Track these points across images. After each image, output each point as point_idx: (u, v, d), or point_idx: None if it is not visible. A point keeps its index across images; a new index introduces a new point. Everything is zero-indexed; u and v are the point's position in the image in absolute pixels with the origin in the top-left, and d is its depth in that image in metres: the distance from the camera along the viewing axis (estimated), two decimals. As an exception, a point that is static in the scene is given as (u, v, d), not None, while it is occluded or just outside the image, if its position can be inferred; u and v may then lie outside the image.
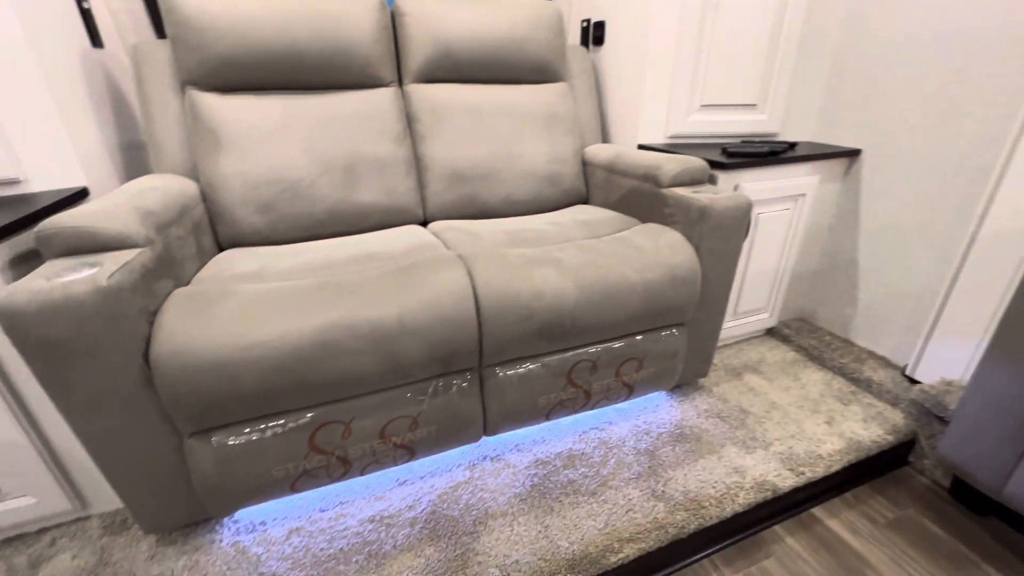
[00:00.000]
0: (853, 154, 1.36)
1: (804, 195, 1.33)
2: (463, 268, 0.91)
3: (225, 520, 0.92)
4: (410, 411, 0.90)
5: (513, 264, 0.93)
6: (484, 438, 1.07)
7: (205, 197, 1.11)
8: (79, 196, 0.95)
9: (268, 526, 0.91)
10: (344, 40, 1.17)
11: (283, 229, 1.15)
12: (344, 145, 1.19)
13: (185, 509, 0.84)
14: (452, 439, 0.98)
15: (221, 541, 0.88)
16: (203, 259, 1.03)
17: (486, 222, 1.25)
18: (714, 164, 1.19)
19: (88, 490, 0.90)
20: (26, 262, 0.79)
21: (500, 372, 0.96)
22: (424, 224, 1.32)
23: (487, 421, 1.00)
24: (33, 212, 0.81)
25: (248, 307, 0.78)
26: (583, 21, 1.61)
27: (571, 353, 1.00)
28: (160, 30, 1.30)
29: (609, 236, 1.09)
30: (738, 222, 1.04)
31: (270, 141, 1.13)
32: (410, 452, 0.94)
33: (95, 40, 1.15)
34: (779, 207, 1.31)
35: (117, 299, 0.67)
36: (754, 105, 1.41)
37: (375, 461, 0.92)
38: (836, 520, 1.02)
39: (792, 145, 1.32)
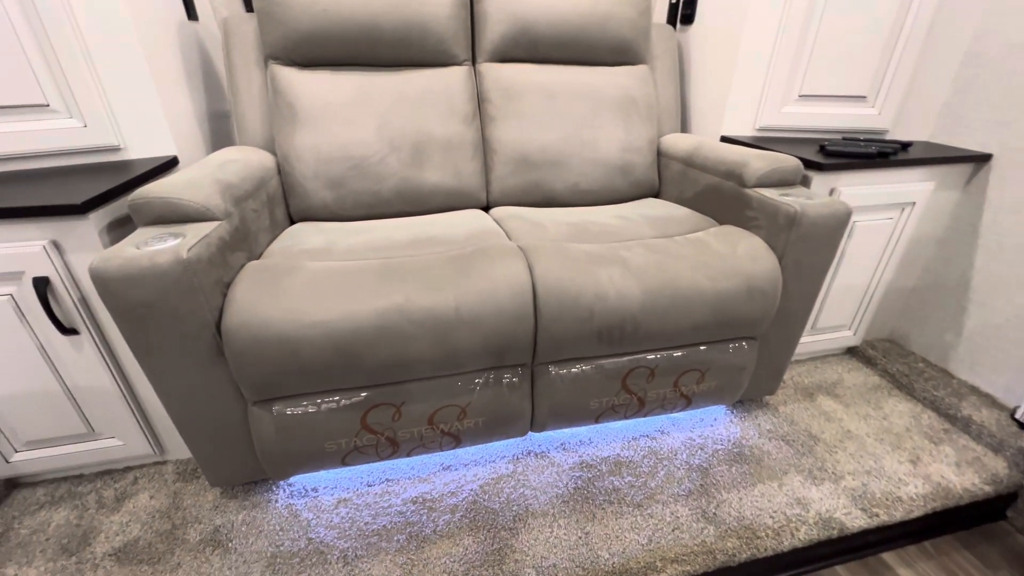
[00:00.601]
0: (981, 159, 1.17)
1: (913, 203, 1.17)
2: (523, 260, 0.88)
3: (281, 483, 0.98)
4: (459, 401, 0.90)
5: (576, 260, 0.89)
6: (530, 433, 1.06)
7: (280, 170, 1.14)
8: (170, 165, 1.01)
9: (319, 493, 0.95)
10: (421, 15, 1.14)
11: (350, 205, 1.17)
12: (414, 123, 1.18)
13: (247, 469, 0.89)
14: (498, 432, 0.97)
15: (276, 502, 0.93)
16: (275, 231, 1.07)
17: (550, 211, 1.21)
18: (809, 164, 1.06)
19: (166, 439, 0.99)
20: (122, 226, 0.84)
21: (553, 370, 0.93)
22: (486, 209, 1.30)
23: (535, 417, 0.98)
24: (131, 179, 0.86)
25: (313, 285, 0.80)
26: (672, -3, 1.49)
27: (628, 358, 0.95)
28: (249, 3, 1.34)
29: (682, 236, 1.02)
30: (832, 233, 0.93)
31: (343, 117, 1.14)
32: (456, 440, 0.95)
33: (190, 13, 1.20)
34: (881, 215, 1.16)
35: (195, 270, 0.70)
36: (863, 97, 1.25)
37: (422, 445, 0.93)
38: (910, 570, 0.92)
39: (905, 145, 1.16)
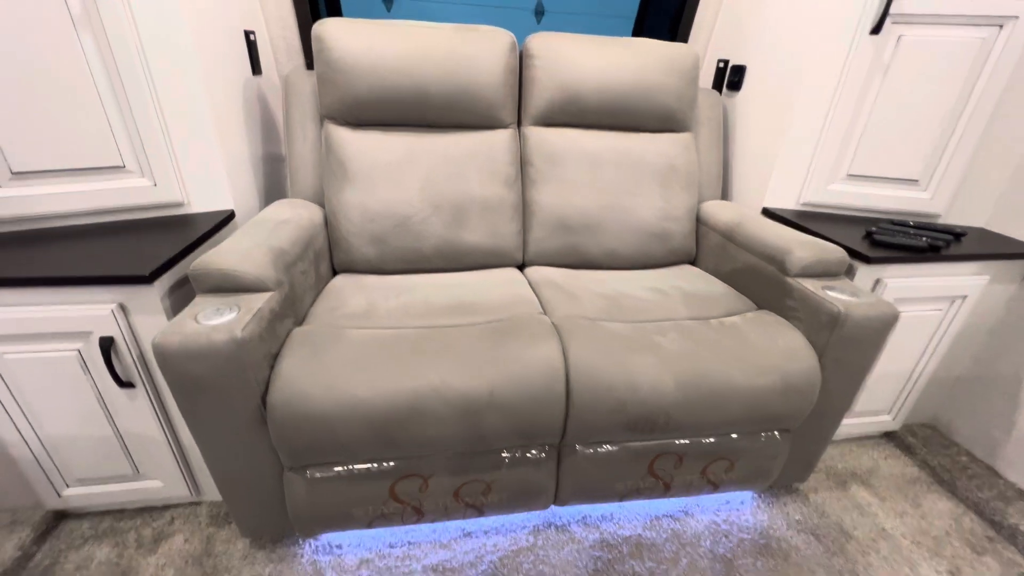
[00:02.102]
0: (1040, 253, 1.12)
1: (965, 296, 1.13)
2: (557, 344, 0.89)
3: (308, 539, 1.01)
4: (485, 476, 0.91)
5: (610, 345, 0.89)
6: (553, 506, 1.06)
7: (328, 223, 1.19)
8: (227, 220, 1.06)
9: (343, 551, 0.98)
10: (471, 82, 1.18)
11: (391, 261, 1.21)
12: (457, 185, 1.21)
13: (277, 524, 0.92)
14: (521, 505, 0.97)
15: (302, 557, 0.96)
16: (319, 286, 1.11)
17: (585, 277, 1.21)
18: (855, 254, 1.04)
19: (202, 482, 1.03)
20: (182, 287, 0.90)
21: (580, 450, 0.93)
22: (521, 267, 1.31)
23: (559, 493, 0.98)
24: (193, 241, 0.92)
25: (354, 358, 0.83)
26: (720, 62, 1.49)
27: (656, 443, 0.94)
28: (309, 58, 1.41)
29: (717, 320, 1.01)
30: (877, 335, 0.91)
31: (390, 177, 1.18)
32: (479, 511, 0.96)
33: (255, 68, 1.27)
34: (929, 307, 1.13)
35: (247, 348, 0.73)
36: (915, 181, 1.22)
37: (446, 515, 0.94)
38: None
39: (958, 235, 1.12)
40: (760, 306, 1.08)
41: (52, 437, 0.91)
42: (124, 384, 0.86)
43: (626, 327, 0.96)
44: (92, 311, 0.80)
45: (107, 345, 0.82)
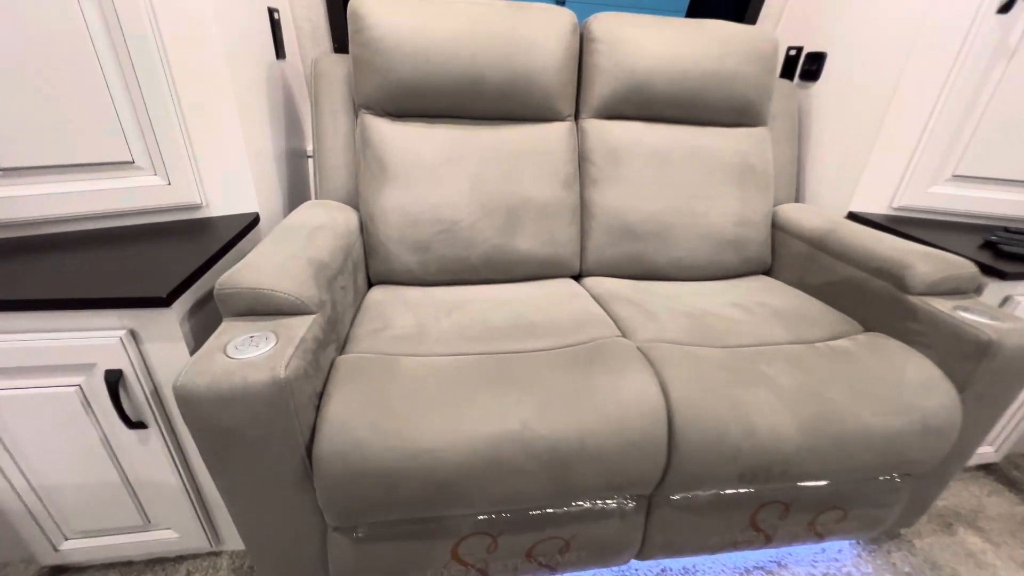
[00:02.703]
0: None
1: (1097, 316, 0.99)
2: (653, 376, 0.74)
3: (347, 596, 0.86)
4: (564, 532, 0.77)
5: (714, 379, 0.75)
6: (633, 561, 0.91)
7: (363, 228, 1.05)
8: (252, 224, 0.92)
9: (390, 616, 0.83)
10: (529, 68, 1.03)
11: (434, 271, 1.06)
12: (510, 185, 1.06)
13: (315, 587, 0.78)
14: (600, 562, 0.83)
15: (343, 624, 0.82)
16: (357, 301, 0.97)
17: (655, 290, 1.07)
18: (985, 268, 0.90)
19: (224, 530, 0.88)
20: (203, 307, 0.75)
21: (673, 500, 0.79)
22: (577, 277, 1.17)
23: (644, 548, 0.84)
24: (216, 252, 0.77)
25: (414, 396, 0.68)
26: (790, 49, 1.34)
27: (762, 490, 0.80)
28: (337, 42, 1.26)
29: (824, 344, 0.86)
30: (1032, 367, 0.77)
31: (435, 175, 1.03)
32: (551, 570, 0.82)
33: (279, 51, 1.12)
34: (1056, 327, 0.99)
35: (292, 389, 0.59)
36: (1034, 182, 1.07)
37: (514, 576, 0.80)
38: None
39: (1088, 244, 0.98)
40: (867, 327, 0.94)
41: (48, 485, 0.76)
42: (134, 425, 0.72)
43: (722, 354, 0.82)
44: (96, 340, 0.66)
45: (114, 380, 0.68)
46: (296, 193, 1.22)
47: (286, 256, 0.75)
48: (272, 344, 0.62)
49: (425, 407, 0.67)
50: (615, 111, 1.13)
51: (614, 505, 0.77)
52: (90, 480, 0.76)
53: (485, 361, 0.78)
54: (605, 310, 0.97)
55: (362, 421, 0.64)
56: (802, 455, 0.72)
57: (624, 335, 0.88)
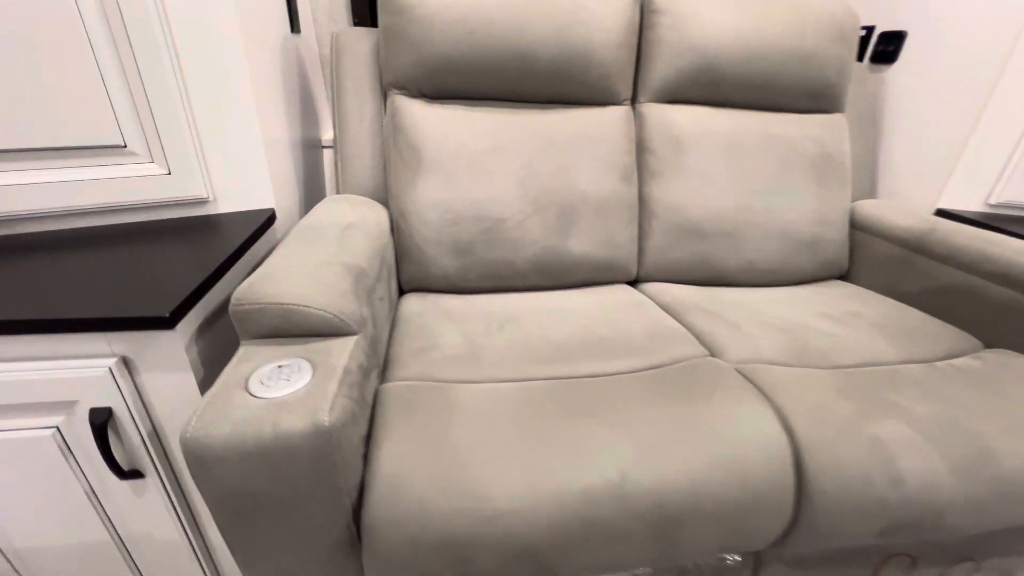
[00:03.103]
0: None
1: None
2: (766, 406, 0.61)
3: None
4: (657, 597, 0.63)
5: (839, 411, 0.62)
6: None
7: (394, 228, 0.90)
8: (268, 223, 0.77)
9: None
10: (585, 41, 0.89)
11: (474, 277, 0.92)
12: (564, 179, 0.93)
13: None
14: (690, 626, 0.70)
15: None
16: (391, 314, 0.83)
17: (726, 299, 0.93)
18: None
19: (236, 588, 0.74)
20: (212, 325, 0.60)
21: (787, 554, 0.66)
22: (633, 283, 1.03)
23: (742, 609, 0.70)
24: (231, 254, 0.62)
25: (481, 438, 0.54)
26: (861, 28, 1.21)
27: (890, 542, 0.67)
28: (357, 16, 1.12)
29: (944, 363, 0.73)
30: None
31: (479, 166, 0.89)
32: (635, 638, 0.68)
33: (294, 25, 0.97)
34: None
35: (339, 439, 0.45)
36: None
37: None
38: None
39: None
40: (987, 342, 0.81)
41: (20, 548, 0.61)
42: (127, 474, 0.57)
43: (833, 377, 0.68)
44: (79, 371, 0.51)
45: (102, 420, 0.53)
46: (311, 188, 1.08)
47: (317, 262, 0.60)
48: (308, 377, 0.48)
49: (497, 453, 0.53)
50: (678, 94, 0.99)
51: (714, 562, 0.64)
52: (73, 540, 0.62)
53: (556, 388, 0.64)
54: (680, 322, 0.84)
55: (422, 475, 0.50)
56: (957, 506, 0.59)
57: (713, 354, 0.75)
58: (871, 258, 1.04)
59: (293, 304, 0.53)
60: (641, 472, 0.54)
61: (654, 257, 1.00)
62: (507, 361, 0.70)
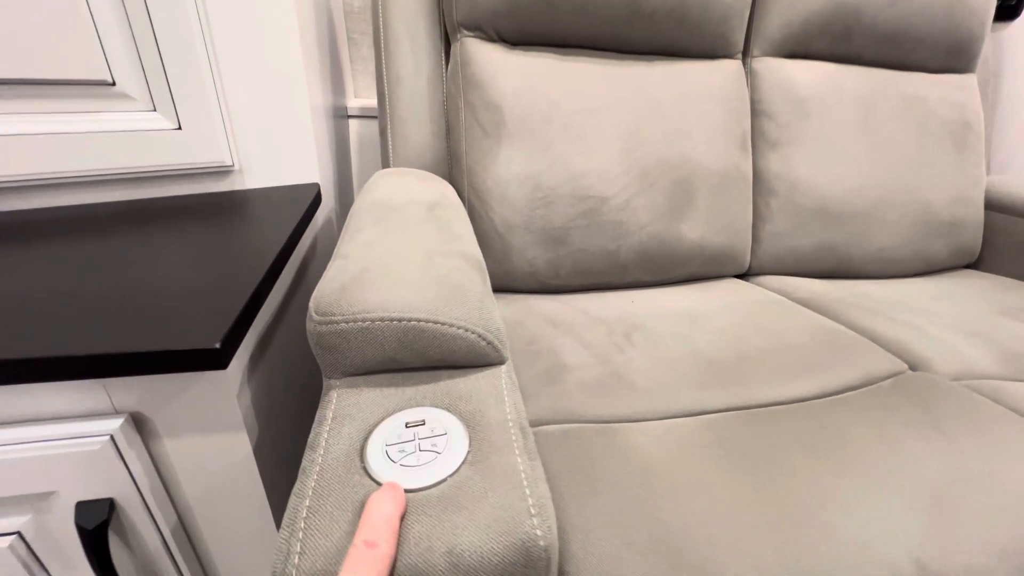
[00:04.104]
0: None
1: None
2: (1054, 447, 0.44)
3: None
4: None
5: None
6: None
7: (468, 211, 0.70)
8: (314, 205, 0.56)
9: None
10: (706, -25, 0.71)
11: (566, 273, 0.73)
12: (676, 147, 0.74)
13: None
14: None
15: None
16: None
17: (863, 293, 0.77)
18: None
19: None
20: (264, 352, 0.40)
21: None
22: (743, 277, 0.86)
23: None
24: (283, 246, 0.41)
25: (692, 508, 0.36)
26: (970, -18, 1.07)
27: None
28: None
29: None
30: None
31: (576, 130, 0.70)
32: None
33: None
34: None
35: (553, 564, 0.25)
36: None
37: None
38: None
39: None
40: None
41: None
42: (141, 592, 0.36)
43: None
44: (59, 445, 0.30)
45: (98, 521, 0.32)
46: (341, 165, 0.87)
47: (424, 253, 0.40)
48: (463, 442, 0.29)
49: (728, 536, 0.35)
50: (801, 46, 0.82)
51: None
52: None
53: (746, 423, 0.46)
54: (845, 326, 0.66)
55: (647, 589, 0.31)
56: None
57: (914, 367, 0.58)
58: (1014, 243, 0.89)
59: (419, 319, 0.33)
60: (942, 556, 0.36)
61: (771, 245, 0.83)
62: (662, 387, 0.51)
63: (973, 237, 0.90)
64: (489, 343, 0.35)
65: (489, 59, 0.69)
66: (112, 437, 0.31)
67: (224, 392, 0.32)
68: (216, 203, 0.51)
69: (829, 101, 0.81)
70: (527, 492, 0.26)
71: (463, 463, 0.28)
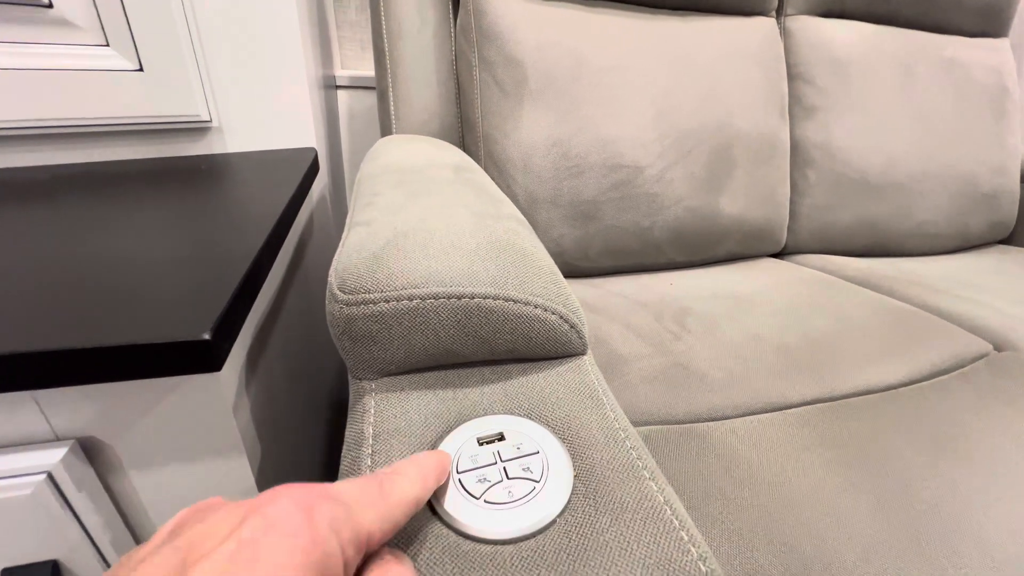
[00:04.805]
0: None
1: None
2: None
3: None
4: None
5: None
6: None
7: (486, 184, 0.61)
8: (312, 172, 0.47)
9: None
10: (742, -83, 0.64)
11: (596, 252, 0.65)
12: (713, 111, 0.67)
13: None
14: None
15: None
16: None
17: (915, 270, 0.71)
18: None
19: None
20: (258, 356, 0.31)
21: None
22: (779, 255, 0.80)
23: None
24: (276, 226, 0.32)
25: (813, 520, 0.29)
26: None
27: None
28: None
29: None
30: None
31: (605, 90, 0.62)
32: None
33: None
34: None
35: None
36: None
37: None
38: None
39: None
40: None
41: None
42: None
43: None
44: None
45: (39, 590, 0.23)
46: (331, 135, 0.77)
47: (474, 214, 0.31)
48: (564, 464, 0.20)
49: (855, 552, 0.28)
50: (837, 4, 0.75)
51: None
52: None
53: (843, 416, 0.40)
54: (910, 303, 0.60)
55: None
56: None
57: (1000, 346, 0.52)
58: (1051, 216, 0.85)
59: (485, 295, 0.24)
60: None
61: (810, 219, 0.77)
62: (736, 378, 0.44)
63: (1010, 210, 0.85)
64: (572, 326, 0.26)
65: (507, 9, 0.60)
66: (50, 475, 0.21)
67: (217, 403, 0.23)
68: (193, 167, 0.41)
69: (869, 64, 0.75)
70: (684, 536, 0.17)
71: (572, 494, 0.19)
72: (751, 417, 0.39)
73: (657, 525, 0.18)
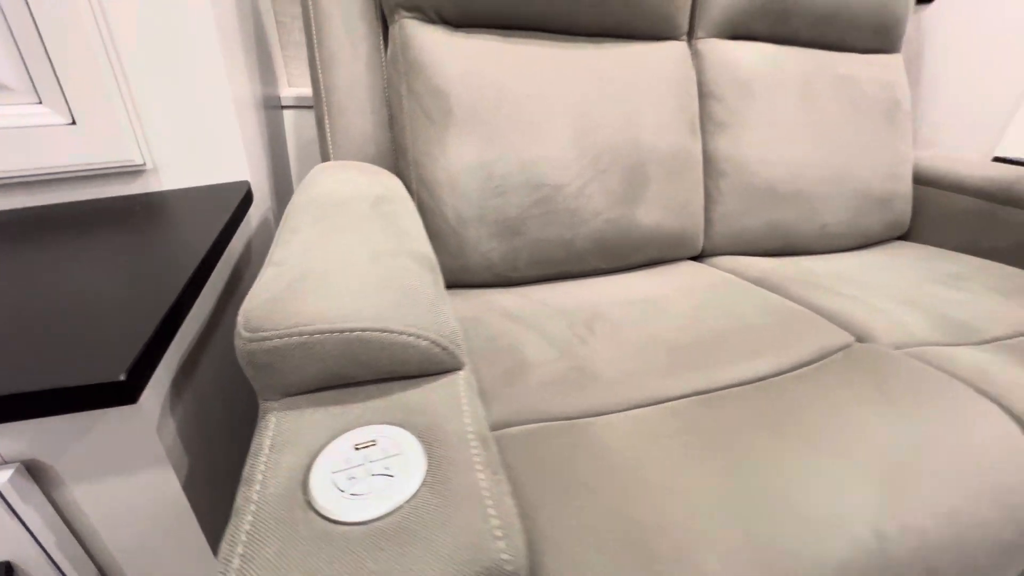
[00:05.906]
0: None
1: None
2: (992, 406, 0.47)
3: None
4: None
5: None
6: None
7: (419, 206, 0.67)
8: (244, 204, 0.51)
9: None
10: (647, -46, 0.70)
11: (524, 264, 0.71)
12: (628, 131, 0.73)
13: None
14: None
15: None
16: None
17: (815, 269, 0.80)
18: None
19: None
20: (185, 383, 0.35)
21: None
22: (697, 259, 0.87)
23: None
24: (201, 264, 0.37)
25: (663, 502, 0.35)
26: (892, -35, 1.11)
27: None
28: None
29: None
30: None
31: (526, 116, 0.68)
32: None
33: (241, -78, 0.69)
34: None
35: (523, 590, 0.24)
36: None
37: None
38: None
39: None
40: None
41: None
42: (60, 659, 0.32)
43: (1002, 356, 0.56)
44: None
45: (-5, 587, 0.28)
46: (277, 160, 0.81)
47: (370, 254, 0.37)
48: (420, 462, 0.26)
49: (699, 528, 0.34)
50: (742, 27, 0.83)
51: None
52: None
53: (709, 406, 0.47)
54: (794, 302, 0.68)
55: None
56: None
57: (861, 338, 0.60)
58: (940, 215, 0.95)
59: (364, 328, 0.29)
60: (901, 527, 0.37)
61: (723, 226, 0.84)
62: (627, 377, 0.51)
63: (903, 210, 0.95)
64: (444, 348, 0.32)
65: (432, 41, 0.65)
66: (0, 493, 0.26)
67: (140, 427, 0.28)
68: (127, 208, 0.45)
69: (771, 82, 0.83)
70: (491, 512, 0.23)
71: (421, 485, 0.25)
72: (631, 411, 0.46)
73: (473, 505, 0.24)
